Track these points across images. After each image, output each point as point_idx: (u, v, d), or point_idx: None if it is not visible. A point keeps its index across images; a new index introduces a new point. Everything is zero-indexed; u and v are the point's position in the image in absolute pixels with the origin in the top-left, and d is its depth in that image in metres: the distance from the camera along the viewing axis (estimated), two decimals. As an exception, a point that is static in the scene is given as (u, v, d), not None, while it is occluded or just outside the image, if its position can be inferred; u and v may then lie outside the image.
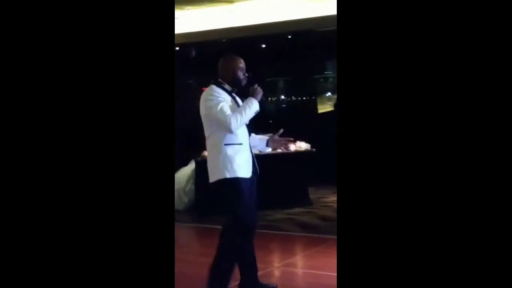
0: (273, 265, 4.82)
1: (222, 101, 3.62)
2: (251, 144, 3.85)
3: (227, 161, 3.61)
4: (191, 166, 7.79)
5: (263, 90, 3.77)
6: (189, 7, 8.31)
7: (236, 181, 3.60)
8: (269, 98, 11.34)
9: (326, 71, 10.79)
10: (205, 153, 7.65)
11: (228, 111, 3.59)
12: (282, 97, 11.45)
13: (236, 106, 3.69)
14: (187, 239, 6.63)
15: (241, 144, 3.66)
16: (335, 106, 9.57)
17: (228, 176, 3.61)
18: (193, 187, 7.66)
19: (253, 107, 3.65)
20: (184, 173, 7.82)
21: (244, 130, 3.72)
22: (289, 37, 8.73)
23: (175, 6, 8.37)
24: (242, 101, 3.76)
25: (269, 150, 3.98)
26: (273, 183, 6.61)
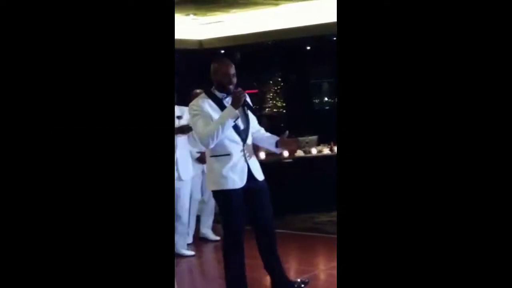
0: (319, 268, 4.80)
1: (198, 115, 3.54)
2: (259, 141, 3.79)
3: (213, 174, 3.62)
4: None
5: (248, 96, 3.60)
6: (234, 10, 8.35)
7: (224, 193, 3.58)
8: (314, 100, 11.30)
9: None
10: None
11: (202, 127, 3.50)
12: (326, 99, 11.40)
13: None
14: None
15: (228, 154, 3.57)
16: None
17: (215, 188, 3.62)
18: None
19: (229, 117, 3.46)
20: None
21: (235, 139, 3.60)
22: (334, 38, 8.66)
23: (221, 10, 8.43)
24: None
25: (279, 150, 3.79)
26: (318, 185, 6.59)
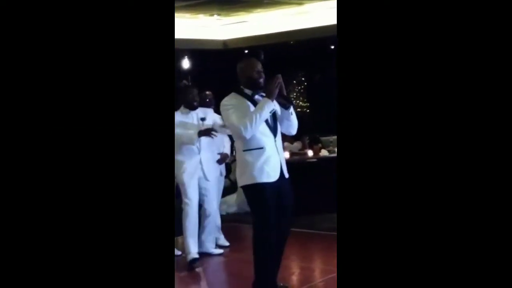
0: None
1: (232, 108, 3.58)
2: (284, 127, 3.76)
3: (245, 167, 3.61)
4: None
5: (284, 85, 3.59)
6: (258, 10, 8.35)
7: (257, 186, 3.58)
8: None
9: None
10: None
11: (238, 118, 3.53)
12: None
13: None
14: (246, 239, 6.67)
15: (261, 148, 3.59)
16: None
17: (249, 182, 3.61)
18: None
19: (265, 108, 3.51)
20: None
21: (266, 133, 3.63)
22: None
23: (245, 10, 8.44)
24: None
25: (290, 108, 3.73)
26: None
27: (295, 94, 11.15)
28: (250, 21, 8.96)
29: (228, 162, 5.88)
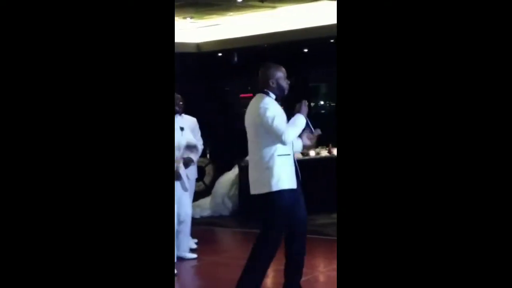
0: (318, 270, 4.79)
1: (278, 113, 3.67)
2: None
3: (279, 173, 3.62)
4: (235, 171, 7.82)
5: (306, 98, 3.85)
6: (231, 13, 8.35)
7: (285, 192, 3.62)
8: (312, 103, 11.29)
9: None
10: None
11: (283, 124, 3.65)
12: (321, 102, 11.38)
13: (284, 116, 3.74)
14: (232, 244, 6.66)
15: (289, 154, 3.70)
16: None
17: (280, 188, 3.61)
18: (237, 192, 7.68)
19: (302, 123, 3.74)
20: (228, 178, 7.85)
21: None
22: (331, 41, 8.67)
23: (218, 13, 8.43)
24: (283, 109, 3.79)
25: (303, 149, 4.09)
26: (317, 188, 6.58)
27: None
28: (223, 24, 8.95)
29: (202, 166, 5.87)
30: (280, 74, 3.79)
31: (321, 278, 4.59)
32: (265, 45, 9.44)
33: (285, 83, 3.80)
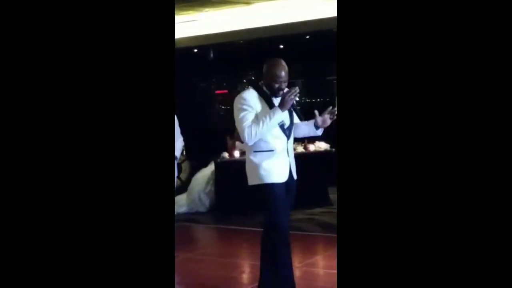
0: (294, 265, 4.81)
1: (245, 110, 3.54)
2: (301, 134, 3.86)
3: (254, 168, 3.62)
4: (211, 167, 7.82)
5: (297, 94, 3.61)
6: (207, 9, 8.34)
7: (265, 187, 3.59)
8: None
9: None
10: (225, 154, 7.73)
11: (247, 121, 3.52)
12: (297, 98, 11.44)
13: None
14: (208, 240, 6.66)
15: (272, 150, 3.60)
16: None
17: (256, 182, 3.62)
18: (213, 188, 7.69)
19: (274, 118, 3.52)
20: (204, 175, 7.84)
21: (280, 136, 3.64)
22: (307, 37, 8.71)
23: (194, 9, 8.38)
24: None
25: (320, 131, 3.84)
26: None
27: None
28: (199, 20, 8.93)
29: (178, 162, 5.83)
30: (275, 72, 3.61)
31: (297, 273, 4.61)
32: (241, 41, 9.44)
33: (276, 81, 3.60)
